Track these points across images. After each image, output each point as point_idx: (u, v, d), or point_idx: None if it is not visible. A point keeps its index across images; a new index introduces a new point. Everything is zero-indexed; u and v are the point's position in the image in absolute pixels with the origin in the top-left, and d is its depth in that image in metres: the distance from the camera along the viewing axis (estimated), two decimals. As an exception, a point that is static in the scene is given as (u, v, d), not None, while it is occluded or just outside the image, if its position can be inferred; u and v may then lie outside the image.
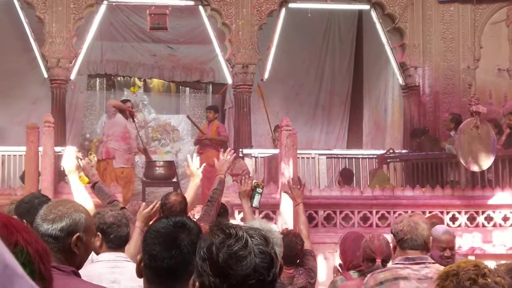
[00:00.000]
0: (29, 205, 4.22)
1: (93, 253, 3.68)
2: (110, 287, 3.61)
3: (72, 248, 2.91)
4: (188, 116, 14.11)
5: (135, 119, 12.52)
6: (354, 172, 12.06)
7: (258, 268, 1.84)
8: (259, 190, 5.65)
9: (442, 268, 3.71)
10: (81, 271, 3.94)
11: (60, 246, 2.90)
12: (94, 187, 5.61)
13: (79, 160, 5.74)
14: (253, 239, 1.87)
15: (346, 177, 11.52)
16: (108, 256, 3.98)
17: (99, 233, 4.12)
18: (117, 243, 4.06)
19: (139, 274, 2.52)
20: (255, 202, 5.66)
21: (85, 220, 2.99)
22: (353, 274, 5.22)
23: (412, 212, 10.08)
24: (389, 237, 6.74)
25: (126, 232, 4.12)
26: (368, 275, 4.21)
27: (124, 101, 12.45)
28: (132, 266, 3.45)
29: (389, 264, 4.29)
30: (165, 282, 2.43)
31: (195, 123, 13.45)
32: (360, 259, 5.00)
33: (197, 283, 1.86)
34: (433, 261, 4.09)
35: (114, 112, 11.72)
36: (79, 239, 2.92)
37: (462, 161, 10.54)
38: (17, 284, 1.05)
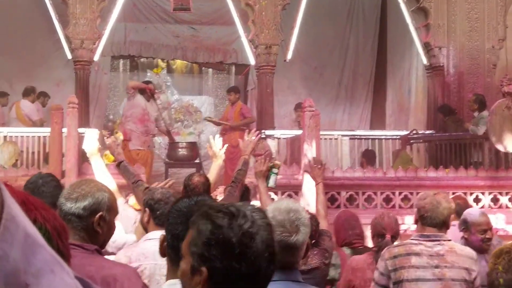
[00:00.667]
0: (33, 185, 4.19)
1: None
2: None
3: (95, 227, 2.95)
4: (206, 118, 14.07)
5: (157, 100, 12.52)
6: (377, 153, 12.02)
7: (269, 242, 1.85)
8: (275, 170, 5.65)
9: (456, 245, 4.20)
10: (135, 249, 4.01)
11: (83, 225, 2.95)
12: (119, 166, 5.59)
13: (105, 138, 5.77)
14: (255, 214, 1.86)
15: (368, 158, 11.49)
16: (158, 233, 3.99)
17: (147, 209, 4.18)
18: (163, 220, 4.06)
19: (162, 253, 2.54)
20: (271, 183, 5.66)
21: (108, 199, 3.02)
22: (346, 250, 5.78)
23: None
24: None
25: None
26: (385, 249, 4.39)
27: (146, 83, 12.42)
28: None
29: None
30: None
31: (215, 121, 13.38)
32: (352, 237, 5.73)
33: (204, 270, 1.78)
34: (449, 239, 4.22)
35: (133, 93, 11.68)
36: (102, 218, 2.96)
37: (493, 142, 10.44)
38: (38, 253, 1.07)
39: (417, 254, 4.13)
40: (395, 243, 4.79)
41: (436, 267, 4.10)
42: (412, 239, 4.29)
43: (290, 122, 13.88)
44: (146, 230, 4.19)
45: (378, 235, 5.15)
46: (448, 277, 4.08)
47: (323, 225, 5.55)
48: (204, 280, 1.79)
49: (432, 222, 4.17)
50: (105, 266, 2.91)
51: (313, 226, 5.28)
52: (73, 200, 2.96)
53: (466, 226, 5.39)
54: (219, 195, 9.07)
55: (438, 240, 4.16)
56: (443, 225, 4.19)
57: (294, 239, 2.74)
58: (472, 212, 5.55)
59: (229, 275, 1.78)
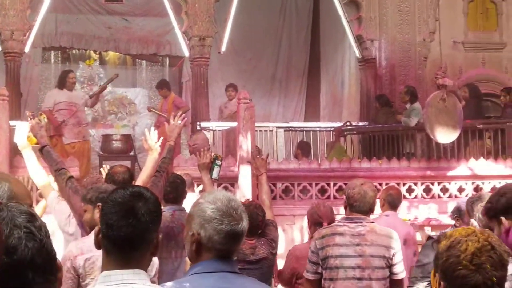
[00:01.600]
0: None
1: None
2: None
3: None
4: (148, 108, 13.94)
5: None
6: (311, 145, 12.11)
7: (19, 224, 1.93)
8: (218, 162, 5.66)
9: (377, 226, 4.78)
10: (86, 241, 4.12)
11: None
12: (42, 150, 5.38)
13: (29, 119, 5.58)
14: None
15: (303, 149, 11.55)
16: None
17: (100, 204, 4.14)
18: None
19: (97, 245, 2.51)
20: (215, 174, 5.66)
21: (9, 189, 2.92)
22: None
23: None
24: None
25: None
26: (316, 231, 4.96)
27: (67, 72, 12.04)
28: None
29: None
30: (123, 251, 2.43)
31: (157, 112, 13.25)
32: None
33: None
34: (372, 221, 4.80)
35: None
36: None
37: (429, 134, 10.63)
38: None
39: (341, 234, 4.66)
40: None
41: (357, 245, 4.64)
42: (338, 222, 4.91)
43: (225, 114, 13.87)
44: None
45: (315, 223, 5.55)
46: (368, 253, 4.61)
47: (269, 215, 5.59)
48: None
49: (360, 210, 4.74)
50: None
51: (259, 216, 5.31)
52: None
53: (459, 214, 5.61)
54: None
55: (361, 222, 4.70)
56: (369, 211, 4.79)
57: (241, 227, 2.74)
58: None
59: None
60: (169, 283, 2.70)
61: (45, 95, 11.60)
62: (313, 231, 5.41)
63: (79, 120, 11.44)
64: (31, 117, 5.59)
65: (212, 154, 5.74)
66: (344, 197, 4.86)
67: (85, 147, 11.44)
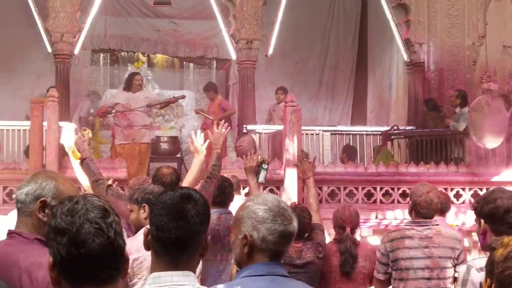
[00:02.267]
0: None
1: None
2: None
3: (37, 214, 2.86)
4: (195, 110, 13.99)
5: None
6: (357, 148, 12.03)
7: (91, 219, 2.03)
8: (264, 166, 5.65)
9: (442, 229, 5.14)
10: (134, 241, 4.14)
11: (28, 212, 2.88)
12: (82, 163, 5.62)
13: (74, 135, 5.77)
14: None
15: (349, 153, 11.46)
16: None
17: (145, 204, 4.44)
18: None
19: (147, 246, 2.52)
20: (261, 178, 5.65)
21: (55, 186, 2.92)
22: None
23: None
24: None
25: None
26: (384, 234, 5.30)
27: (134, 74, 12.18)
28: None
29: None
30: (172, 253, 2.44)
31: (204, 114, 13.29)
32: None
33: None
34: (436, 224, 5.17)
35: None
36: (46, 205, 2.86)
37: (474, 138, 10.48)
38: None
39: (410, 237, 5.03)
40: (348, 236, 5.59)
41: (426, 247, 5.01)
42: (405, 225, 5.31)
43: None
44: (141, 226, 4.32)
45: (339, 227, 5.71)
46: (435, 255, 4.99)
47: (316, 219, 5.58)
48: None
49: (426, 216, 5.12)
50: (34, 254, 2.77)
51: (306, 219, 5.28)
52: (19, 187, 2.94)
53: None
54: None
55: (427, 226, 5.07)
56: (433, 216, 5.20)
57: (293, 227, 2.76)
58: None
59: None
60: (220, 286, 2.69)
61: (107, 93, 11.75)
62: (337, 232, 5.71)
63: (130, 123, 11.45)
64: (75, 133, 5.75)
65: (259, 157, 5.73)
66: (410, 202, 5.23)
67: (135, 150, 11.41)
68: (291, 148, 9.47)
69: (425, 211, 5.10)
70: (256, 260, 2.72)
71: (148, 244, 2.51)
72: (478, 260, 3.55)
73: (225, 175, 7.38)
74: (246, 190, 9.50)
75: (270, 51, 13.39)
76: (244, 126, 12.16)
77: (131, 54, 16.55)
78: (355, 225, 5.75)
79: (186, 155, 13.82)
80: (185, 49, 15.90)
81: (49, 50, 12.77)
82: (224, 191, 6.01)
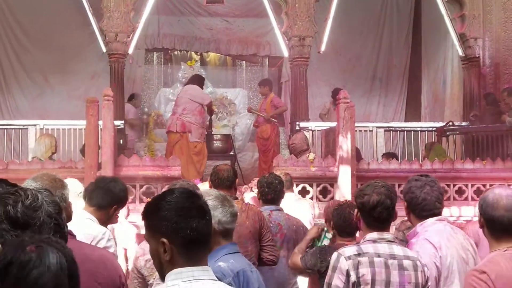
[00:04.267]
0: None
1: None
2: None
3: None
4: (248, 108, 14.10)
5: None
6: (412, 145, 11.92)
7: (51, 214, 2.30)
8: (328, 235, 5.51)
9: None
10: None
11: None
12: None
13: None
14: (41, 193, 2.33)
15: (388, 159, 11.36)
16: None
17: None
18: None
19: (171, 259, 2.55)
20: (323, 242, 5.54)
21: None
22: None
23: (473, 185, 9.97)
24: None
25: None
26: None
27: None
28: None
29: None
30: (193, 250, 2.56)
31: (256, 112, 13.38)
32: None
33: None
34: None
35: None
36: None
37: None
38: None
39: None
40: None
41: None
42: None
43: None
44: None
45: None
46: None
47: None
48: None
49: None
50: (89, 247, 3.58)
51: (352, 216, 5.25)
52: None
53: None
54: (253, 186, 9.07)
55: None
56: None
57: (237, 208, 4.00)
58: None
59: None
60: (221, 263, 3.46)
61: (199, 93, 11.95)
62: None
63: (204, 121, 11.88)
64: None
65: (324, 228, 5.63)
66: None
67: (204, 148, 11.78)
68: (344, 145, 9.42)
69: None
70: (217, 241, 3.52)
71: (173, 256, 2.57)
72: (348, 248, 3.78)
73: (278, 172, 7.40)
74: (300, 187, 9.54)
75: (323, 47, 13.33)
76: (297, 123, 12.15)
77: (184, 53, 16.66)
78: None
79: (239, 152, 13.90)
80: (238, 47, 15.96)
81: (104, 50, 12.94)
82: (275, 189, 6.09)
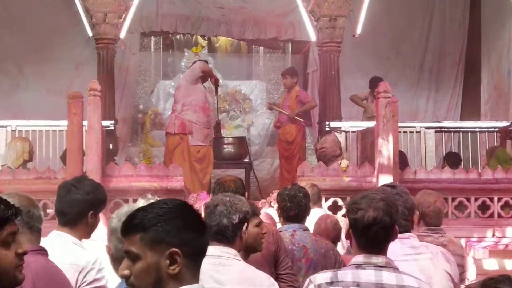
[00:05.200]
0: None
1: None
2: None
3: None
4: (268, 105, 14.07)
5: (218, 90, 12.59)
6: (469, 149, 11.86)
7: None
8: None
9: (453, 237, 6.34)
10: None
11: None
12: None
13: None
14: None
15: (452, 162, 11.30)
16: (212, 250, 4.06)
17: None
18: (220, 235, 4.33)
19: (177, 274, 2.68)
20: None
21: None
22: None
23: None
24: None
25: (230, 223, 4.29)
26: None
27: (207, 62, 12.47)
28: (242, 265, 4.24)
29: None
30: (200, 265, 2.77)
31: (278, 109, 13.35)
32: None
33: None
34: (444, 232, 6.13)
35: (198, 78, 11.71)
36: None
37: None
38: None
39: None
40: None
41: None
42: (422, 232, 5.93)
43: (360, 111, 13.77)
44: None
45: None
46: None
47: None
48: None
49: (435, 225, 6.09)
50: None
51: None
52: None
53: None
54: (273, 201, 9.05)
55: (441, 233, 6.10)
56: (441, 224, 6.22)
57: None
58: None
59: None
60: None
61: (190, 69, 11.95)
62: None
63: (209, 120, 11.84)
64: None
65: None
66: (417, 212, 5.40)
67: (210, 153, 11.71)
68: (385, 149, 9.39)
69: (434, 220, 6.06)
70: None
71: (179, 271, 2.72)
72: (320, 275, 3.83)
73: (303, 183, 7.37)
74: (330, 202, 9.52)
75: (359, 30, 13.31)
76: (327, 123, 12.13)
77: (188, 37, 16.69)
78: (334, 237, 6.61)
79: (256, 159, 13.87)
80: (254, 29, 15.92)
81: (90, 34, 12.99)
82: (298, 203, 6.01)
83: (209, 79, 12.22)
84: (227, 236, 4.25)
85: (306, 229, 6.02)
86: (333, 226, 6.69)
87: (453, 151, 12.48)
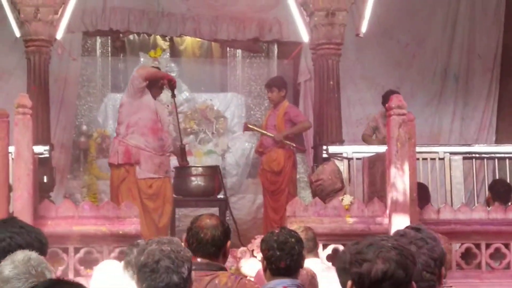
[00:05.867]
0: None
1: None
2: None
3: None
4: (245, 125, 13.87)
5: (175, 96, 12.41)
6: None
7: None
8: None
9: None
10: None
11: None
12: None
13: None
14: None
15: (499, 193, 11.32)
16: None
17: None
18: None
19: None
20: None
21: None
22: None
23: None
24: None
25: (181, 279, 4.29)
26: None
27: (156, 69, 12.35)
28: None
29: None
30: None
31: (259, 130, 13.31)
32: None
33: None
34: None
35: (142, 89, 11.51)
36: None
37: None
38: None
39: None
40: None
41: None
42: None
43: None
44: None
45: None
46: None
47: None
48: None
49: None
50: None
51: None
52: None
53: None
54: (256, 249, 9.07)
55: None
56: None
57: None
58: None
59: None
60: None
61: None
62: None
63: (163, 145, 11.61)
64: None
65: None
66: None
67: (167, 187, 11.56)
68: (399, 182, 9.40)
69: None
70: None
71: None
72: None
73: (294, 226, 7.37)
74: (328, 250, 9.53)
75: (364, 28, 13.36)
76: (324, 147, 12.13)
77: (144, 37, 16.74)
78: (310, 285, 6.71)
79: (233, 194, 13.87)
80: (229, 28, 15.96)
81: (17, 34, 12.98)
82: (290, 252, 5.99)
83: (162, 84, 11.88)
84: None
85: (299, 286, 5.99)
86: (310, 281, 6.58)
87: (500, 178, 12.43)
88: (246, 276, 7.61)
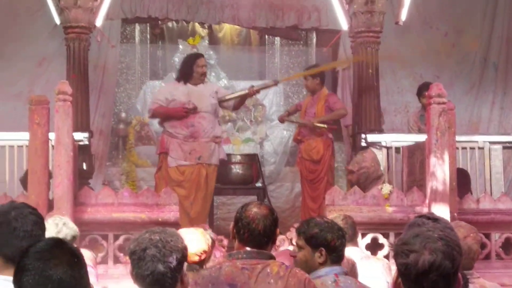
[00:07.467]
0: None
1: None
2: None
3: None
4: (282, 117, 13.74)
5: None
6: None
7: None
8: None
9: (486, 282, 5.97)
10: None
11: None
12: None
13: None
14: None
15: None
16: None
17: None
18: None
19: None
20: None
21: None
22: None
23: None
24: None
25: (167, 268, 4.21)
26: None
27: (194, 58, 12.28)
28: None
29: None
30: None
31: (293, 120, 13.26)
32: None
33: None
34: (478, 276, 5.96)
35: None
36: None
37: None
38: None
39: None
40: None
41: None
42: None
43: (406, 122, 13.75)
44: None
45: None
46: None
47: None
48: None
49: (465, 267, 5.69)
50: None
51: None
52: None
53: None
54: (294, 238, 9.03)
55: (468, 278, 5.72)
56: (472, 267, 6.03)
57: None
58: None
59: None
60: None
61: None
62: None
63: (195, 131, 11.61)
64: None
65: None
66: None
67: (201, 175, 11.55)
68: (439, 171, 9.36)
69: (464, 261, 4.81)
70: None
71: None
72: None
73: (333, 215, 7.36)
74: (368, 239, 9.50)
75: (403, 16, 13.30)
76: (363, 136, 12.08)
77: (183, 25, 16.72)
78: None
79: (271, 183, 13.83)
80: (268, 16, 15.90)
81: (57, 21, 12.99)
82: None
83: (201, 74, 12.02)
84: (166, 285, 4.17)
85: (347, 274, 5.89)
86: (350, 269, 6.44)
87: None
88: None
